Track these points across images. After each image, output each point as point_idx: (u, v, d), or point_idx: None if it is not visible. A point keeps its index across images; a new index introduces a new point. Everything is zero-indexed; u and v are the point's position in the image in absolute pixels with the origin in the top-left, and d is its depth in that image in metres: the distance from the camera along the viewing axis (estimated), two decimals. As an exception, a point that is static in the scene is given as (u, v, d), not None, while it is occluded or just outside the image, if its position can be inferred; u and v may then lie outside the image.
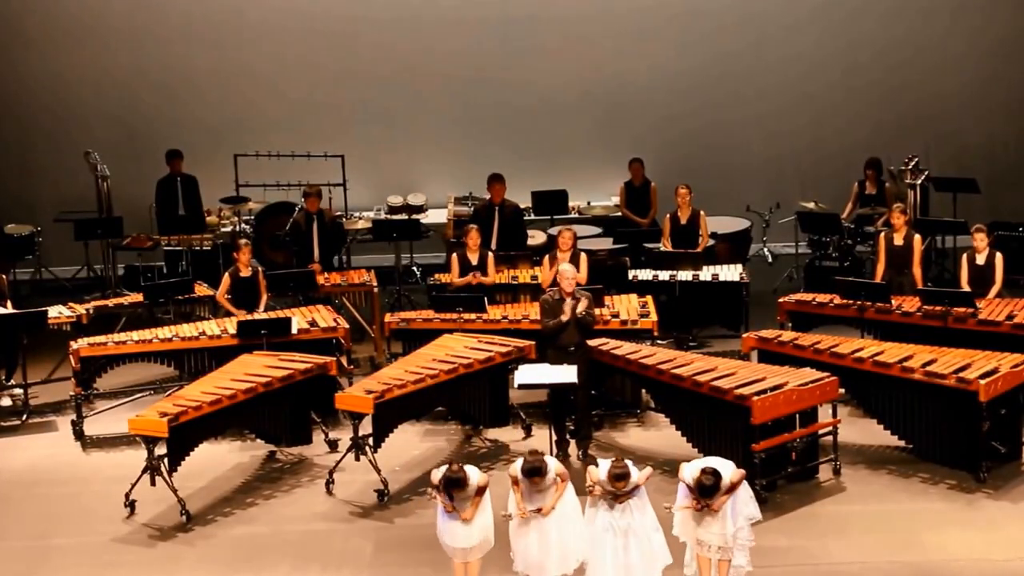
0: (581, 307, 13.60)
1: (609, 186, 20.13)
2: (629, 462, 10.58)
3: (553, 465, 10.76)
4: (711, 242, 17.77)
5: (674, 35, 20.81)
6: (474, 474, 10.72)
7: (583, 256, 15.83)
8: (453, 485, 10.58)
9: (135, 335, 15.11)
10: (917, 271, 15.84)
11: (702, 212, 17.61)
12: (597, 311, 14.50)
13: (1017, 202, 20.44)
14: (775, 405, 12.59)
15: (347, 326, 15.30)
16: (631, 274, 16.91)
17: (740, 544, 10.85)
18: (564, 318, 13.60)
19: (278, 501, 13.20)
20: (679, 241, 17.43)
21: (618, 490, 10.55)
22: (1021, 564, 11.46)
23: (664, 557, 10.81)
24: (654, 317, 15.17)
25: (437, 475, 10.72)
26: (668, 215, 17.74)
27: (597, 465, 10.73)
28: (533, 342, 14.28)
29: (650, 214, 19.04)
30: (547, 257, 15.92)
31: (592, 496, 10.73)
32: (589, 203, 20.14)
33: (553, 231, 18.31)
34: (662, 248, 17.41)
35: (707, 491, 10.41)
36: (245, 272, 15.97)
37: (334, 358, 14.46)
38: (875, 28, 20.78)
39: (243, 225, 19.51)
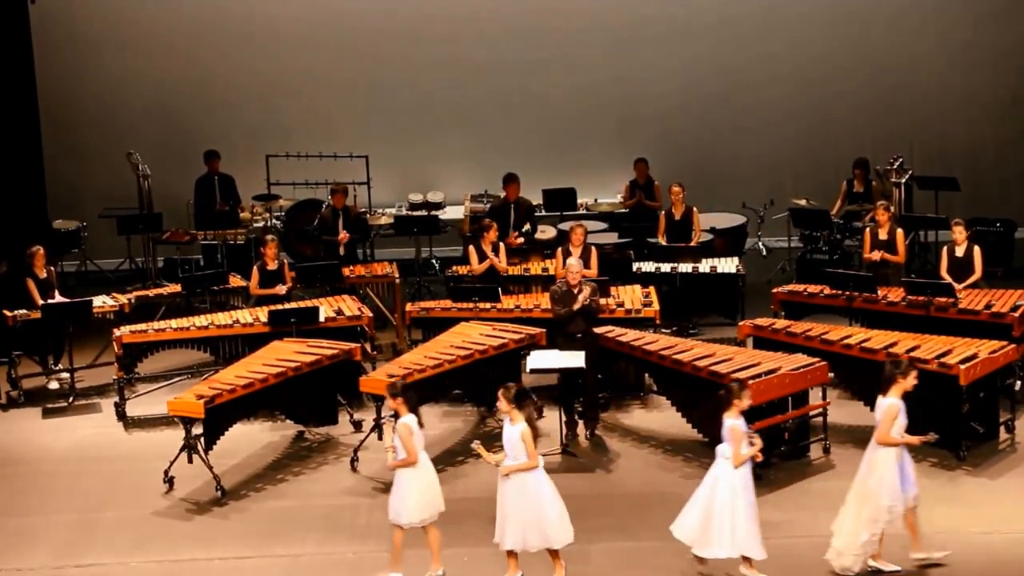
0: (585, 293, 13.55)
1: (615, 184, 20.11)
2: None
3: (525, 429, 10.63)
4: (705, 237, 17.71)
5: (678, 48, 20.74)
6: (412, 420, 10.80)
7: (593, 250, 15.83)
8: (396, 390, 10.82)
9: (174, 323, 15.12)
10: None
11: (695, 208, 17.59)
12: (603, 301, 14.49)
13: (995, 199, 20.39)
14: (769, 388, 12.57)
15: (371, 315, 15.28)
16: (635, 266, 16.89)
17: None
18: (576, 307, 13.57)
19: (306, 477, 13.20)
20: (674, 236, 17.42)
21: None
22: (999, 537, 11.44)
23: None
24: (656, 306, 15.15)
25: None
26: (663, 212, 17.74)
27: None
28: (544, 330, 14.26)
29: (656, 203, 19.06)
30: (559, 250, 15.89)
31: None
32: (596, 200, 20.11)
33: (563, 226, 18.31)
34: (658, 243, 17.42)
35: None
36: (272, 265, 16.00)
37: (359, 344, 14.46)
38: (865, 40, 20.71)
39: (274, 221, 19.52)
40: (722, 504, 10.58)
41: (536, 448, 10.67)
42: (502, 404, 10.71)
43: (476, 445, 11.09)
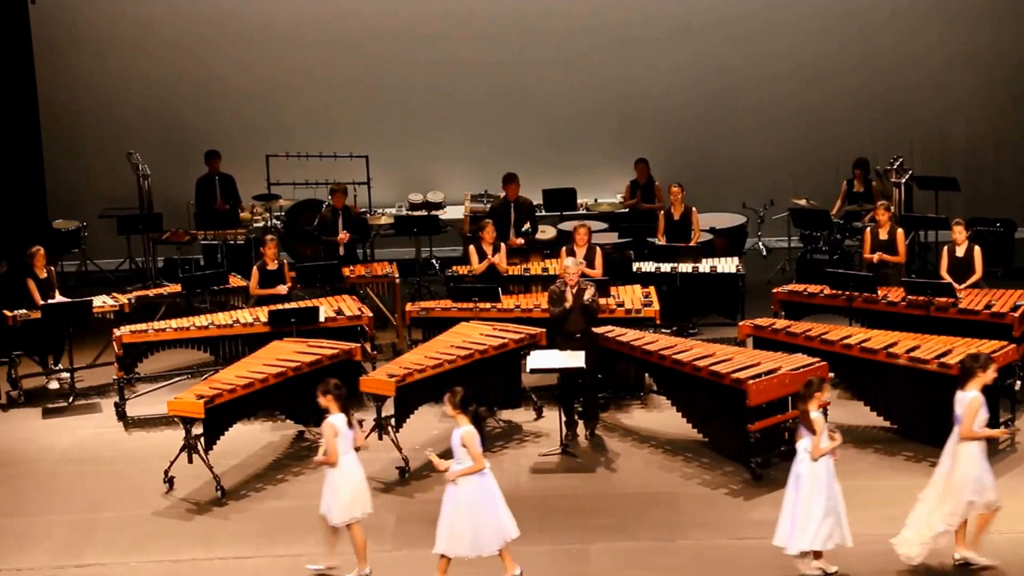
0: (588, 295, 13.55)
1: (615, 184, 20.12)
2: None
3: (466, 432, 10.62)
4: (705, 237, 17.71)
5: (678, 48, 20.75)
6: (340, 419, 10.90)
7: (598, 250, 15.84)
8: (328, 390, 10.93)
9: (174, 323, 15.11)
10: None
11: (694, 209, 17.59)
12: (603, 300, 14.48)
13: (995, 199, 20.40)
14: (769, 388, 12.58)
15: (371, 315, 15.27)
16: (635, 266, 16.89)
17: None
18: (567, 305, 13.56)
19: (306, 477, 13.19)
20: (673, 236, 17.41)
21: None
22: (999, 537, 11.40)
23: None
24: (656, 306, 15.14)
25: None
26: (662, 212, 17.74)
27: None
28: (544, 329, 14.25)
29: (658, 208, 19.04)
30: (564, 250, 15.87)
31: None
32: (596, 200, 20.11)
33: (563, 226, 18.33)
34: (657, 242, 17.42)
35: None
36: (272, 265, 16.01)
37: (359, 344, 14.45)
38: (865, 40, 20.71)
39: (274, 221, 19.52)
40: (804, 499, 10.61)
41: (482, 451, 10.64)
42: (447, 408, 10.78)
43: (428, 453, 11.12)
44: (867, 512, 11.96)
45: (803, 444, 10.68)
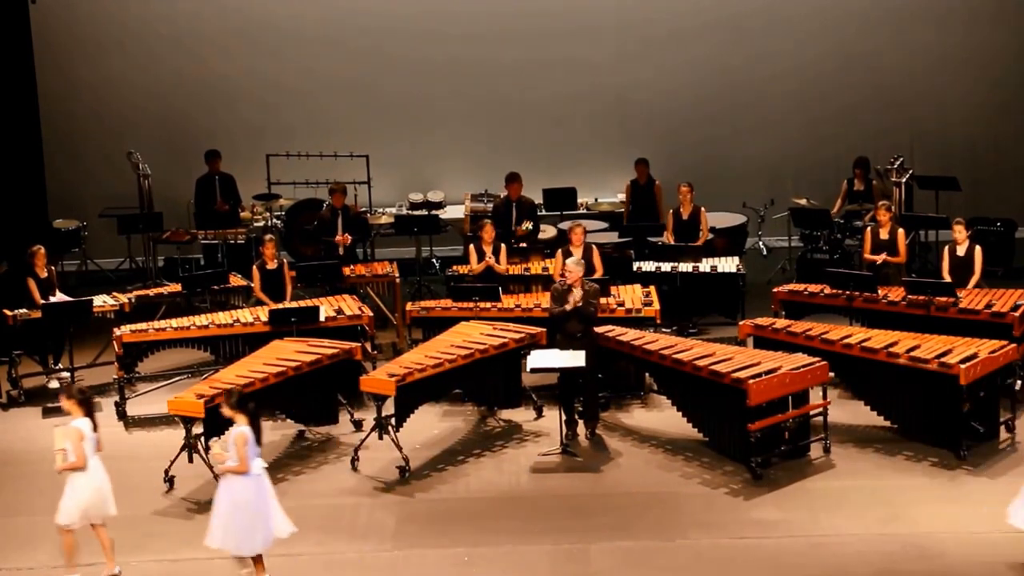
0: (577, 297, 13.51)
1: (615, 184, 20.11)
2: None
3: (237, 433, 10.69)
4: (711, 236, 17.74)
5: (678, 48, 20.71)
6: (84, 424, 10.94)
7: (594, 249, 15.84)
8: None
9: (174, 322, 15.11)
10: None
11: (703, 208, 17.61)
12: (604, 300, 14.47)
13: (995, 199, 20.37)
14: (769, 388, 12.57)
15: (371, 314, 15.27)
16: (635, 266, 16.89)
17: None
18: (568, 307, 13.55)
19: (307, 477, 13.19)
20: (681, 235, 17.43)
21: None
22: (999, 536, 11.41)
23: None
24: (657, 306, 15.14)
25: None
26: (671, 211, 17.75)
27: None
28: (544, 329, 14.25)
29: (658, 210, 19.00)
30: (560, 251, 15.87)
31: None
32: (596, 200, 20.10)
33: (563, 226, 18.32)
34: (666, 242, 17.43)
35: None
36: (271, 265, 16.00)
37: (359, 344, 14.44)
38: (864, 40, 20.68)
39: (274, 220, 19.52)
40: None
41: (247, 454, 10.66)
42: (224, 409, 10.88)
43: (212, 443, 11.49)
44: (864, 510, 11.98)
45: None
